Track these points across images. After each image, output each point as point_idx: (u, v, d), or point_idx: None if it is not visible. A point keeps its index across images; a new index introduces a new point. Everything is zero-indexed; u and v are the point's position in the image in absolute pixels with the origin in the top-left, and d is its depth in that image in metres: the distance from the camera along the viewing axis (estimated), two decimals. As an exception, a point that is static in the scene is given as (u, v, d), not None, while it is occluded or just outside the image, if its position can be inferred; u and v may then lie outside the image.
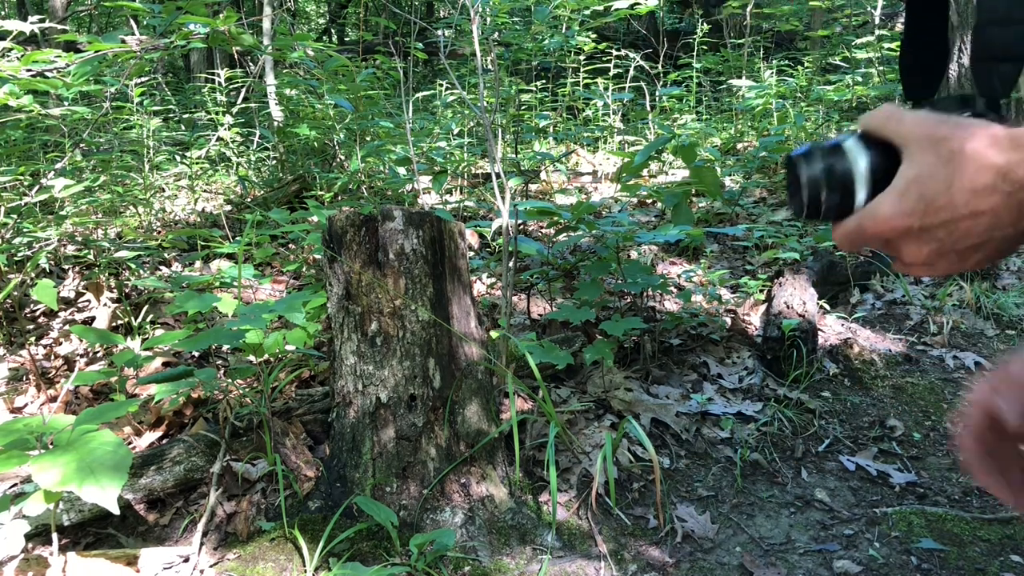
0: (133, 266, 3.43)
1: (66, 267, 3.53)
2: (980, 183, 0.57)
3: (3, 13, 11.98)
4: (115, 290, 3.17)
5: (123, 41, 2.63)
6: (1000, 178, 0.56)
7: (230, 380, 2.24)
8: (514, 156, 5.13)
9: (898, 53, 0.84)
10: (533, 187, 5.01)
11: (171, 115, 6.19)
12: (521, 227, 4.01)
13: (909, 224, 0.60)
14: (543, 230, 4.06)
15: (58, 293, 3.15)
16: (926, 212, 0.59)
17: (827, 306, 3.21)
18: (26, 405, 2.44)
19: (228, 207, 4.77)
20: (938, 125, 0.60)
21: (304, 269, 3.42)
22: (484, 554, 1.72)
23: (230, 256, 3.44)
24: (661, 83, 6.44)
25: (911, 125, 0.61)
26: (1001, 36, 0.70)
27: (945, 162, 0.58)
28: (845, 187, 0.65)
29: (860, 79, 5.44)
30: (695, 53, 6.59)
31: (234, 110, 5.17)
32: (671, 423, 2.27)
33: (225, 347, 2.72)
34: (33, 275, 3.16)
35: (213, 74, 6.02)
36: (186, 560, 1.69)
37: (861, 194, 0.65)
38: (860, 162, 0.65)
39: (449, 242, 1.88)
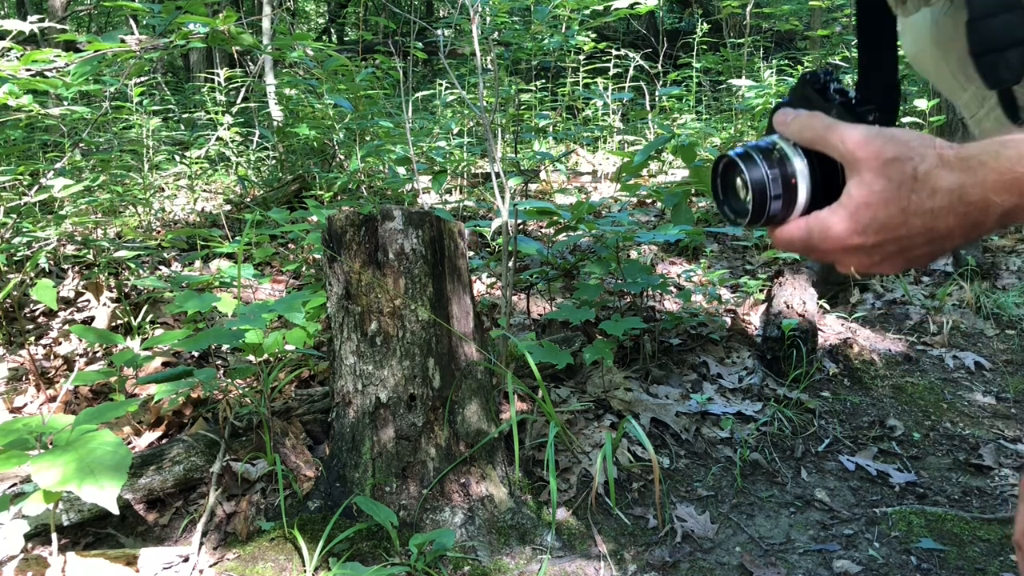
0: (133, 266, 3.43)
1: (66, 267, 3.53)
2: (935, 206, 0.57)
3: (3, 13, 11.97)
4: (115, 290, 3.17)
5: (122, 41, 2.63)
6: (955, 200, 0.56)
7: (230, 380, 2.24)
8: (514, 156, 5.13)
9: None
10: (533, 187, 5.01)
11: (171, 115, 6.19)
12: (521, 227, 4.01)
13: (862, 242, 0.61)
14: (543, 230, 4.06)
15: (58, 293, 3.14)
16: (879, 231, 0.60)
17: (827, 306, 3.21)
18: (26, 405, 2.44)
19: (228, 207, 4.77)
20: (885, 145, 0.59)
21: (304, 269, 3.41)
22: (484, 554, 1.72)
23: (230, 256, 3.44)
24: (661, 83, 6.43)
25: (856, 144, 0.60)
26: (1000, 25, 0.70)
27: (898, 186, 0.58)
28: (789, 188, 0.64)
29: (860, 79, 5.44)
30: (695, 53, 6.58)
31: (233, 110, 5.17)
32: (671, 423, 2.27)
33: (225, 347, 2.72)
34: (33, 275, 3.16)
35: (213, 74, 6.02)
36: (186, 560, 1.69)
37: (803, 196, 0.64)
38: (800, 164, 0.64)
39: (449, 242, 1.88)
